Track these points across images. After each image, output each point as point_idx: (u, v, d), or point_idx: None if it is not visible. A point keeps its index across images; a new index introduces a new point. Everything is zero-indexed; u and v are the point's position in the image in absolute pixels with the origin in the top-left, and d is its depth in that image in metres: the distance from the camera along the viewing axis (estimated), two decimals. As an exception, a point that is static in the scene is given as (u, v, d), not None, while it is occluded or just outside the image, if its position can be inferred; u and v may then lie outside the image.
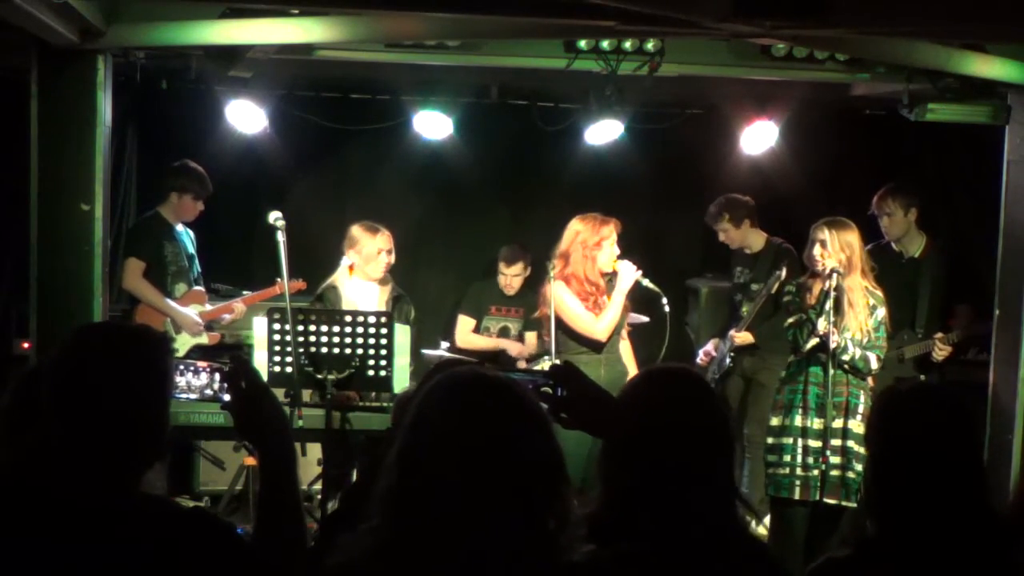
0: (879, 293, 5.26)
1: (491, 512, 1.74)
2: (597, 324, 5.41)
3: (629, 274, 5.45)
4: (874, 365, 5.18)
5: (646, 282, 5.50)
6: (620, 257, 5.56)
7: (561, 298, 5.43)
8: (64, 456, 1.99)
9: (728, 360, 6.38)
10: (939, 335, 5.94)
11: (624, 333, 5.67)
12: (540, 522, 1.77)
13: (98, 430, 2.00)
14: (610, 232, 5.50)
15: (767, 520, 5.68)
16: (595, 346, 5.44)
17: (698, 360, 6.63)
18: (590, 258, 5.47)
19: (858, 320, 5.14)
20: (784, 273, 5.61)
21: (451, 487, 1.74)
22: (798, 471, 5.12)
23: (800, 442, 5.13)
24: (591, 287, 5.47)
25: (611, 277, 5.54)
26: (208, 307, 6.30)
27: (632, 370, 5.59)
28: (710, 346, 6.61)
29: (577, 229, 5.49)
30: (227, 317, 6.37)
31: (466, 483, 1.74)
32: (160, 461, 2.12)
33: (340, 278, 5.78)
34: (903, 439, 2.28)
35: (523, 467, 1.77)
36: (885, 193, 6.02)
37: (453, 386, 1.86)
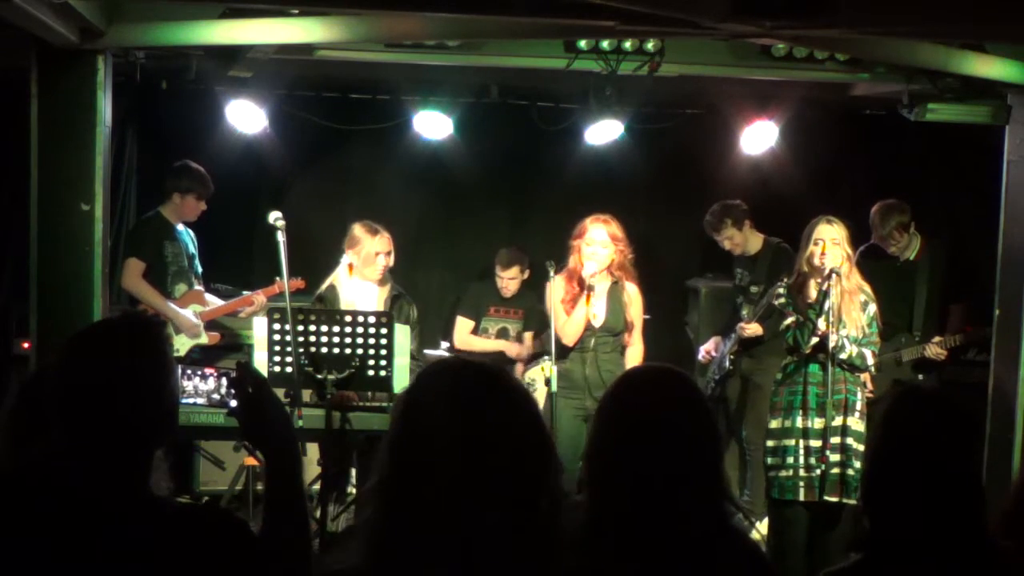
0: (868, 289, 5.27)
1: (482, 496, 1.74)
2: (562, 326, 5.52)
3: (586, 276, 5.50)
4: (870, 361, 5.19)
5: (591, 281, 5.51)
6: (631, 264, 5.62)
7: (549, 296, 5.61)
8: (74, 457, 2.01)
9: (728, 362, 6.37)
10: (937, 339, 5.94)
11: (628, 337, 5.68)
12: (531, 502, 1.78)
13: (107, 426, 2.02)
14: (585, 229, 5.55)
15: (762, 522, 5.68)
16: (567, 346, 5.53)
17: (699, 358, 6.63)
18: (574, 254, 5.57)
19: (852, 318, 5.15)
20: (786, 283, 5.52)
21: (441, 473, 1.75)
22: (801, 472, 5.10)
23: (802, 443, 5.11)
24: (575, 283, 5.54)
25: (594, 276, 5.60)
26: (209, 307, 6.29)
27: None
28: (711, 344, 6.60)
29: (576, 224, 5.61)
30: (246, 310, 6.34)
31: (455, 468, 1.75)
32: (164, 445, 2.14)
33: (339, 277, 5.77)
34: (905, 440, 2.28)
35: (511, 448, 1.78)
36: (879, 221, 6.04)
37: (437, 374, 1.87)
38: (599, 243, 5.52)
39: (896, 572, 2.22)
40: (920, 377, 5.99)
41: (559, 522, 1.80)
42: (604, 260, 5.53)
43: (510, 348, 6.82)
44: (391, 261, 5.78)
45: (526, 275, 6.91)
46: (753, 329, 6.14)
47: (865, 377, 5.28)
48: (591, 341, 5.54)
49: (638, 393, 2.20)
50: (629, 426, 2.13)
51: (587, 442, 2.21)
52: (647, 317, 6.52)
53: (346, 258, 5.77)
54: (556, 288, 5.61)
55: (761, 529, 5.93)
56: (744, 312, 6.33)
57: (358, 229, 5.74)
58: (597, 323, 5.55)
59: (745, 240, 6.52)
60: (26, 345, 5.90)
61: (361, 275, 5.75)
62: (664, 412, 2.14)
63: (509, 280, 6.88)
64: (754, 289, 6.33)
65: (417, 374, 1.91)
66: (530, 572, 1.76)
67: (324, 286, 5.78)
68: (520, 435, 1.80)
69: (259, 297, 6.32)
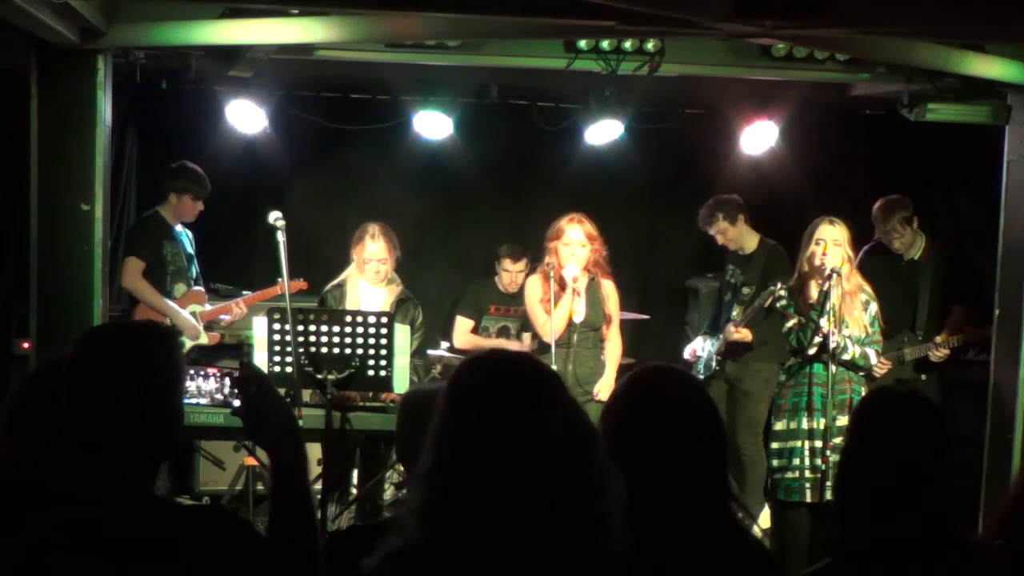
0: (868, 289, 5.28)
1: (535, 475, 1.77)
2: (543, 325, 5.60)
3: (567, 279, 5.51)
4: (873, 360, 5.19)
5: (574, 285, 5.51)
6: (605, 260, 5.63)
7: (527, 294, 5.71)
8: (83, 457, 2.01)
9: (715, 363, 6.34)
10: (939, 338, 5.94)
11: (607, 333, 5.72)
12: (582, 474, 1.80)
13: (118, 430, 2.02)
14: (562, 230, 5.58)
15: (759, 523, 5.67)
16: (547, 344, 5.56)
17: (685, 357, 6.61)
18: (552, 254, 5.61)
19: (854, 317, 5.15)
20: (779, 288, 5.43)
21: (493, 460, 1.77)
22: (807, 474, 5.10)
23: (807, 444, 5.11)
24: (552, 281, 5.56)
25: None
26: (207, 307, 6.29)
27: (610, 370, 5.68)
28: (698, 343, 6.59)
29: (551, 226, 5.67)
30: (226, 318, 6.34)
31: (507, 454, 1.77)
32: (171, 457, 2.14)
33: (351, 276, 5.79)
34: (872, 441, 2.30)
35: (559, 429, 1.81)
36: (883, 216, 6.03)
37: (480, 365, 1.92)
38: (577, 243, 5.57)
39: (868, 572, 2.23)
40: (923, 377, 5.98)
41: (611, 486, 1.83)
42: (583, 259, 5.59)
43: (510, 345, 6.81)
44: (388, 268, 5.76)
45: (529, 270, 6.90)
46: (742, 335, 6.09)
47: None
48: (572, 337, 5.59)
49: (648, 393, 2.20)
50: (639, 426, 2.14)
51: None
52: (646, 317, 6.51)
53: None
54: (533, 288, 5.71)
55: (758, 527, 5.92)
56: (734, 313, 6.28)
57: (362, 231, 5.75)
58: (578, 319, 5.58)
59: (739, 236, 6.42)
60: (26, 345, 5.90)
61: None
62: (674, 412, 2.15)
63: (517, 274, 6.86)
64: (746, 290, 6.27)
65: (460, 364, 1.94)
66: (588, 540, 1.78)
67: (333, 284, 5.78)
68: (564, 415, 1.84)
69: (238, 308, 6.30)
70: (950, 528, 2.28)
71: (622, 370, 5.84)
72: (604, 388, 5.61)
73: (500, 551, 1.74)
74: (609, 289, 5.75)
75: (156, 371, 2.07)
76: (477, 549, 1.75)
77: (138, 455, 2.04)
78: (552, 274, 5.56)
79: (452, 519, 1.77)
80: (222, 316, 6.33)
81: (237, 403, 2.18)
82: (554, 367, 5.37)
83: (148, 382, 2.05)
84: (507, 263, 6.88)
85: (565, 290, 5.52)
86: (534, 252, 6.78)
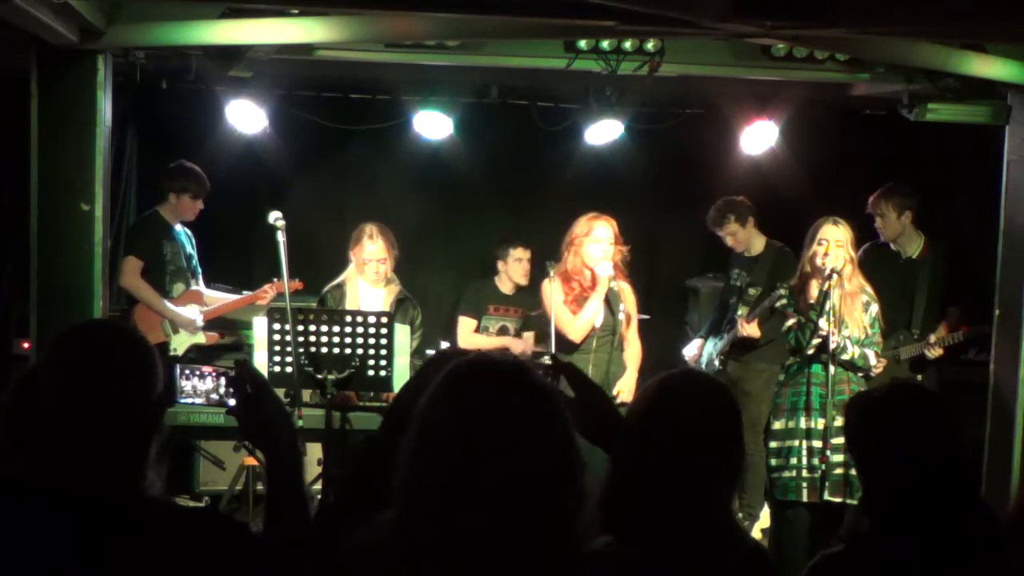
0: (870, 290, 5.28)
1: (509, 496, 1.74)
2: (572, 323, 5.42)
3: (602, 276, 5.41)
4: (873, 361, 5.18)
5: (613, 285, 5.43)
6: (624, 263, 5.57)
7: (549, 295, 5.53)
8: (69, 455, 2.01)
9: (718, 362, 6.33)
10: (934, 336, 5.94)
11: (627, 335, 5.62)
12: (558, 501, 1.77)
13: (98, 425, 2.01)
14: (591, 227, 5.48)
15: (758, 525, 5.67)
16: (570, 346, 5.43)
17: (685, 358, 6.59)
18: (576, 253, 5.50)
19: (854, 318, 5.15)
20: (786, 290, 5.41)
21: (466, 476, 1.74)
22: (804, 473, 5.09)
23: (805, 444, 5.11)
24: (575, 283, 5.49)
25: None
26: (210, 306, 6.28)
27: (630, 374, 5.56)
28: (695, 345, 6.57)
29: (574, 224, 5.54)
30: (265, 300, 6.23)
31: (481, 470, 1.74)
32: (158, 443, 2.12)
33: (350, 276, 5.78)
34: (887, 442, 2.30)
35: (540, 448, 1.77)
36: (880, 194, 6.03)
37: (468, 371, 1.86)
38: (606, 240, 5.47)
39: (891, 552, 2.24)
40: (919, 377, 5.98)
41: (582, 520, 1.79)
42: (611, 257, 5.48)
43: (514, 344, 6.80)
44: (388, 268, 5.76)
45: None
46: (752, 330, 6.03)
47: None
48: (592, 342, 5.46)
49: (676, 397, 2.19)
50: (664, 432, 2.12)
51: (615, 443, 2.20)
52: (647, 317, 6.50)
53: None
54: (555, 290, 5.54)
55: (760, 527, 5.93)
56: (740, 312, 6.27)
57: (360, 232, 5.75)
58: (598, 322, 5.48)
59: (748, 238, 6.43)
60: (26, 345, 5.91)
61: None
62: (700, 419, 2.14)
63: (528, 261, 6.82)
64: (752, 291, 6.27)
65: (445, 371, 1.88)
66: (552, 569, 1.76)
67: (332, 284, 5.78)
68: (548, 433, 1.80)
69: (272, 291, 6.19)
70: (978, 508, 2.28)
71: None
72: (626, 389, 5.45)
73: (471, 546, 1.72)
74: (627, 291, 5.64)
75: (132, 366, 2.07)
76: (450, 542, 1.73)
77: (124, 453, 2.04)
78: (552, 274, 5.52)
79: (415, 540, 1.74)
80: (258, 301, 6.25)
81: (232, 403, 2.18)
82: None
83: (126, 378, 2.05)
84: (518, 251, 6.82)
85: (596, 288, 5.42)
86: (534, 251, 6.79)
